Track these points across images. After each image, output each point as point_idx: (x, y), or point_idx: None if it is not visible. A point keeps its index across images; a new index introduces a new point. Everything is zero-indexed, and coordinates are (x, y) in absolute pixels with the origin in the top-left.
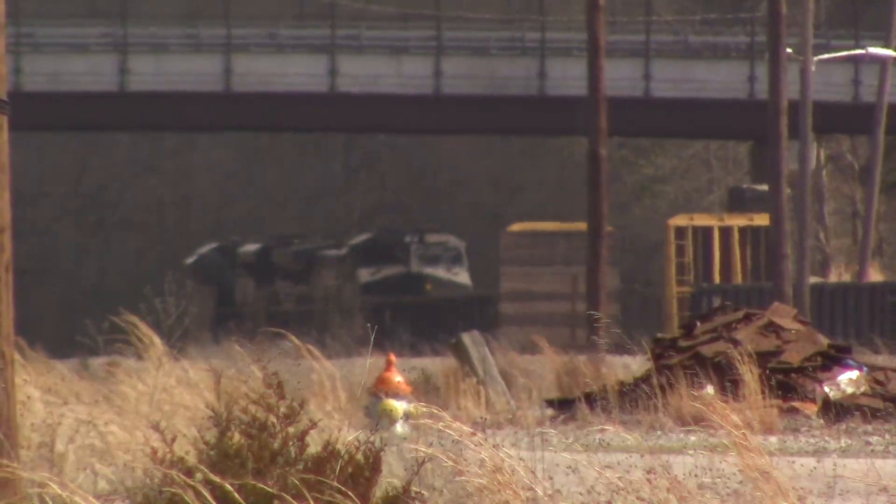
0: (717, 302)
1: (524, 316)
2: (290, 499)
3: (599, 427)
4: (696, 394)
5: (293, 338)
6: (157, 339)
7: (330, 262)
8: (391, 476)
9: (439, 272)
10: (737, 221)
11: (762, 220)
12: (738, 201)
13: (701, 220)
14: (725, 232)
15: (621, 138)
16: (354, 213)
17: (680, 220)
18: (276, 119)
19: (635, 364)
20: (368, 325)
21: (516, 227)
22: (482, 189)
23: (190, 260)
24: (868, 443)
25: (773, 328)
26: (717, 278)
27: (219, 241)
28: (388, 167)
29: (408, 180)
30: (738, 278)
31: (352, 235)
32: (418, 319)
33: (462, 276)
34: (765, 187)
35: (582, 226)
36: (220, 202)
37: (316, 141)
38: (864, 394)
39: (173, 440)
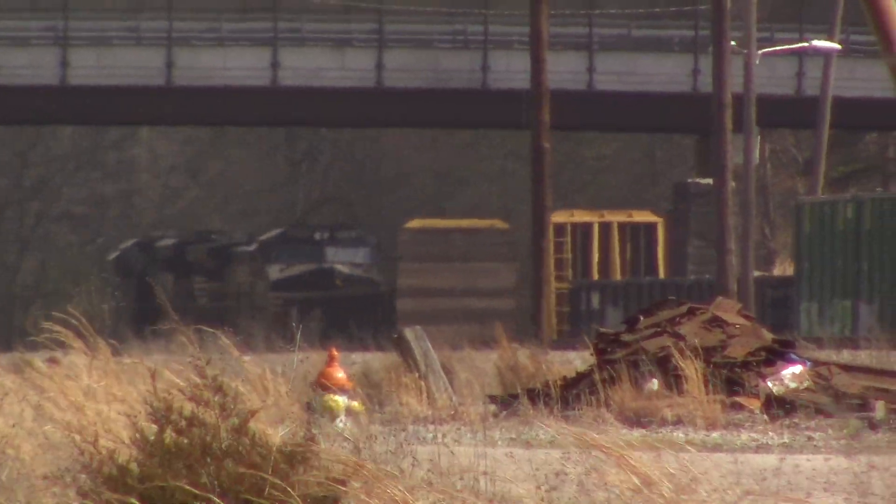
0: (595, 298)
1: (421, 312)
2: (217, 500)
3: (540, 424)
4: (639, 389)
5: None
6: (96, 335)
7: (242, 258)
8: (328, 470)
9: (349, 268)
10: (617, 218)
11: (642, 216)
12: (682, 195)
13: (581, 217)
14: (605, 228)
15: (565, 132)
16: (297, 206)
17: (559, 217)
18: (218, 113)
19: (578, 359)
20: (291, 321)
21: (415, 223)
22: (425, 182)
23: (112, 255)
24: (811, 438)
25: (717, 323)
26: (595, 274)
27: (139, 236)
28: (331, 160)
29: (350, 173)
30: (617, 274)
31: (281, 230)
32: (327, 315)
33: (372, 272)
34: (709, 181)
35: (480, 222)
36: (163, 196)
37: (258, 134)
38: (807, 389)
39: (95, 441)
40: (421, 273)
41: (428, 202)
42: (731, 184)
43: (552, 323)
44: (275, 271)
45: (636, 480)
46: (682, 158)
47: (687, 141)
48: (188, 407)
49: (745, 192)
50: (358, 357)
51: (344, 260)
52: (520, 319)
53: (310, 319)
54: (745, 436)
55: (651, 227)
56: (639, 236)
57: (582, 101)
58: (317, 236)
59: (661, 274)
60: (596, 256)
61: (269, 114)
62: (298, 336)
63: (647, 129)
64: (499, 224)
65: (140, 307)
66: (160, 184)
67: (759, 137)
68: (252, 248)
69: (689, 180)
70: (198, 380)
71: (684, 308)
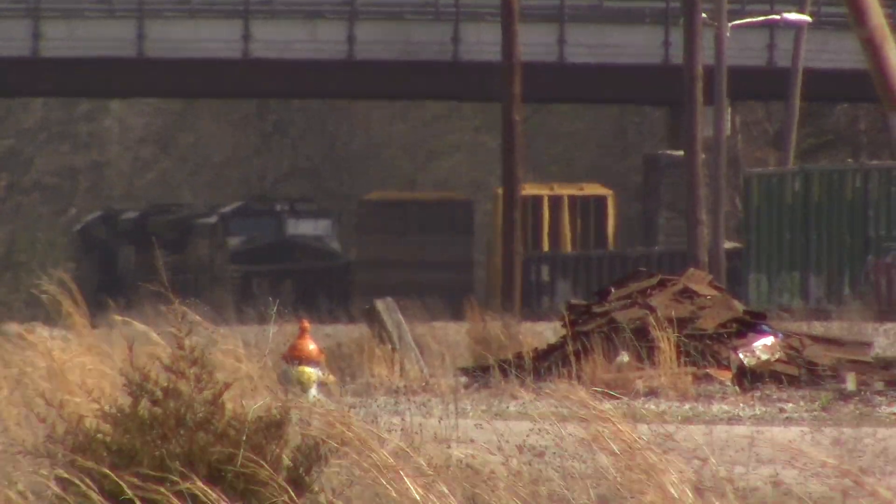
0: (545, 271)
1: (378, 284)
2: (185, 471)
3: (511, 395)
4: (610, 360)
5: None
6: (73, 306)
7: (202, 230)
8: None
9: (309, 241)
10: (567, 191)
11: (592, 189)
12: (653, 167)
13: (531, 190)
14: (555, 201)
15: (536, 104)
16: (268, 178)
17: None
18: (189, 85)
19: (549, 331)
20: (252, 293)
21: (373, 195)
22: (396, 154)
23: (77, 228)
24: (782, 410)
25: (688, 294)
26: (546, 247)
27: (99, 209)
28: (302, 132)
29: (321, 145)
30: (567, 247)
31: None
32: (287, 287)
33: (333, 245)
34: (680, 153)
35: (437, 195)
36: (133, 167)
37: (229, 106)
38: (778, 360)
39: (60, 406)
40: (378, 245)
41: (399, 174)
42: (702, 155)
43: (498, 296)
44: (234, 243)
45: (615, 448)
46: (653, 130)
47: (657, 113)
48: (163, 378)
49: (716, 164)
50: (329, 329)
51: (304, 232)
52: (476, 292)
53: (275, 292)
54: (716, 407)
55: (601, 200)
56: (589, 209)
57: (553, 73)
58: (277, 208)
59: (611, 246)
60: (546, 229)
61: (241, 86)
62: (274, 309)
63: (618, 100)
64: (456, 196)
65: (102, 279)
66: (131, 155)
67: (729, 109)
68: (212, 220)
69: (660, 152)
70: (176, 351)
71: (655, 279)
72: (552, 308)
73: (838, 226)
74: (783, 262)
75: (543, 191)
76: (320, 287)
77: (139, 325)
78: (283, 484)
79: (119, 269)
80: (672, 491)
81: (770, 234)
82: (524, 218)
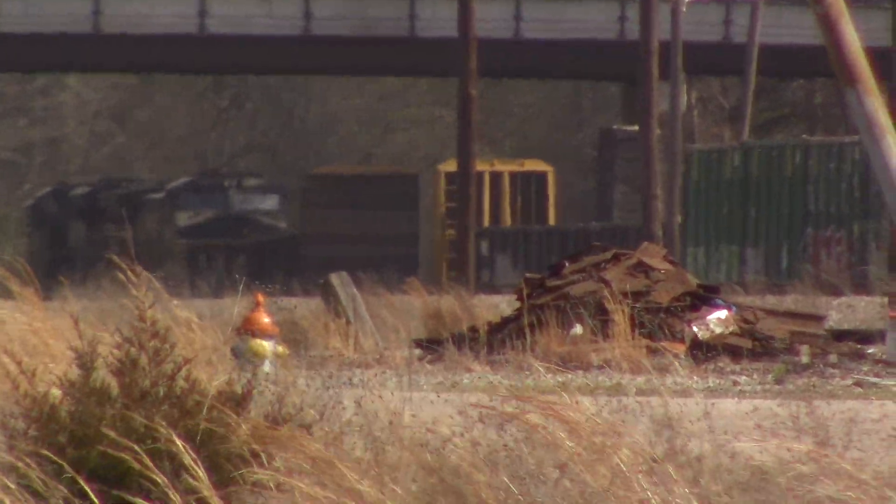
0: (484, 246)
1: (325, 259)
2: (163, 430)
3: (466, 367)
4: (564, 333)
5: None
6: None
7: (151, 205)
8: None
9: (256, 215)
10: (508, 167)
11: (533, 165)
12: (608, 142)
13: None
14: (496, 177)
15: (492, 79)
16: (224, 153)
17: (450, 166)
18: (145, 60)
19: (504, 304)
20: (201, 268)
21: (320, 170)
22: (353, 129)
23: (28, 203)
24: (736, 382)
25: (642, 268)
26: (486, 222)
27: (54, 184)
28: (258, 107)
29: (278, 120)
30: (508, 222)
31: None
32: (233, 262)
33: (280, 220)
34: (635, 128)
35: (383, 169)
36: (89, 142)
37: (186, 81)
38: (732, 333)
39: (33, 374)
40: (324, 220)
41: (355, 148)
42: (657, 130)
43: (441, 270)
44: (182, 218)
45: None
46: (609, 105)
47: (613, 88)
48: (124, 349)
49: (671, 139)
50: (283, 303)
51: (252, 207)
52: (421, 265)
53: (222, 267)
54: (670, 380)
55: (542, 176)
56: (529, 185)
57: (509, 48)
58: (225, 184)
59: (552, 221)
60: (487, 205)
61: (197, 61)
62: (241, 283)
63: (574, 76)
64: (402, 170)
65: (54, 254)
66: (87, 130)
67: (685, 84)
68: (160, 195)
69: (615, 127)
70: (138, 323)
71: (610, 253)
72: (491, 282)
73: (777, 201)
74: (721, 235)
75: (484, 167)
76: (267, 261)
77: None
78: (247, 455)
79: (70, 244)
80: (622, 464)
81: (708, 208)
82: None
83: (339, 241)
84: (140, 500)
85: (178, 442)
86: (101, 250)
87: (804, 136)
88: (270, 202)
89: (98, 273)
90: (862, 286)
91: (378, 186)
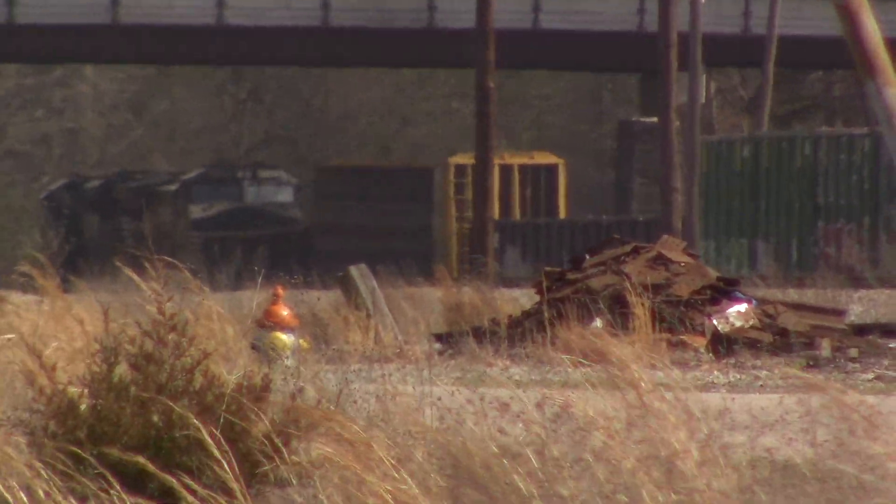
0: (494, 237)
1: (338, 251)
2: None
3: (486, 361)
4: (584, 327)
5: (186, 271)
6: (47, 273)
7: (164, 197)
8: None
9: (270, 208)
10: (517, 160)
11: (543, 158)
12: (627, 134)
13: None
14: (506, 170)
15: (510, 71)
16: (242, 145)
17: (460, 159)
18: (163, 51)
19: (524, 298)
20: (216, 260)
21: (334, 162)
22: (371, 121)
23: (43, 195)
24: (757, 377)
25: (661, 261)
26: (496, 215)
27: (68, 176)
28: (276, 99)
29: (296, 112)
30: (518, 215)
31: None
32: (247, 254)
33: (293, 212)
34: (654, 120)
35: (396, 162)
36: (107, 134)
37: (204, 73)
38: (752, 327)
39: (53, 368)
40: (337, 212)
41: (373, 141)
42: (676, 122)
43: (452, 263)
44: (196, 210)
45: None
46: (627, 97)
47: (632, 80)
48: (146, 344)
49: (690, 131)
50: (304, 296)
51: (265, 200)
52: (434, 258)
53: (236, 259)
54: (690, 374)
55: (552, 169)
56: (539, 178)
57: (527, 39)
58: (239, 175)
59: (562, 214)
60: (497, 198)
61: (215, 52)
62: (260, 277)
63: (593, 68)
64: (416, 164)
65: (69, 248)
66: (104, 122)
67: (704, 76)
68: (174, 187)
69: (634, 119)
70: (157, 316)
71: (629, 247)
72: (501, 274)
73: (787, 193)
74: (732, 228)
75: (494, 160)
76: (281, 254)
77: (103, 294)
78: (269, 445)
79: (85, 236)
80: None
81: (719, 201)
82: (475, 187)
83: (352, 234)
84: (180, 484)
85: (203, 432)
86: (115, 243)
87: (824, 127)
88: (284, 194)
89: (115, 266)
90: (876, 279)
91: (391, 179)
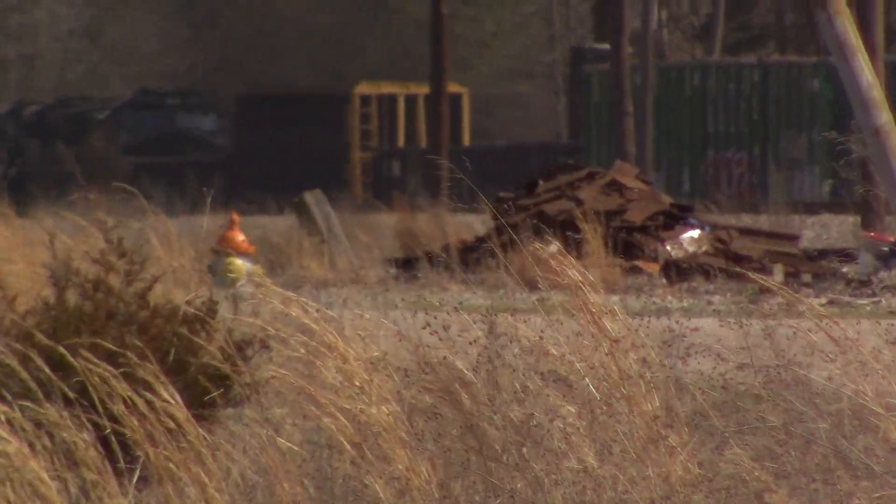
0: (396, 166)
1: (258, 177)
2: (132, 356)
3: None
4: (539, 251)
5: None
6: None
7: (97, 124)
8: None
9: (197, 134)
10: (422, 90)
11: (448, 87)
12: (579, 59)
13: (387, 88)
14: (411, 100)
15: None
16: (197, 70)
17: (365, 89)
18: None
19: (478, 223)
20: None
21: (251, 90)
22: (324, 46)
23: None
24: (710, 302)
25: (616, 187)
26: (401, 143)
27: (11, 103)
28: (231, 23)
29: (250, 37)
30: (423, 144)
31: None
32: (176, 180)
33: (221, 139)
34: (606, 46)
35: (316, 89)
36: (64, 60)
37: None
38: (706, 253)
39: (14, 298)
40: (258, 139)
41: (326, 66)
42: (629, 49)
43: (356, 191)
44: (126, 136)
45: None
46: (580, 23)
47: (584, 5)
48: (92, 270)
49: (643, 57)
50: (258, 221)
51: (193, 126)
52: (350, 184)
53: (165, 184)
54: (644, 300)
55: (456, 98)
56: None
57: None
58: (168, 102)
59: (467, 142)
60: (402, 127)
61: None
62: (209, 200)
63: None
64: (333, 91)
65: (13, 172)
66: (61, 47)
67: (656, 2)
68: (105, 113)
69: (586, 45)
70: (105, 243)
71: (583, 172)
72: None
73: (677, 122)
74: (683, 156)
75: (400, 89)
76: (207, 179)
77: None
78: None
79: (27, 161)
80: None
81: (610, 130)
82: (380, 116)
83: (272, 161)
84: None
85: (151, 366)
86: (53, 167)
87: (775, 55)
88: (210, 120)
89: (60, 191)
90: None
91: (309, 106)
